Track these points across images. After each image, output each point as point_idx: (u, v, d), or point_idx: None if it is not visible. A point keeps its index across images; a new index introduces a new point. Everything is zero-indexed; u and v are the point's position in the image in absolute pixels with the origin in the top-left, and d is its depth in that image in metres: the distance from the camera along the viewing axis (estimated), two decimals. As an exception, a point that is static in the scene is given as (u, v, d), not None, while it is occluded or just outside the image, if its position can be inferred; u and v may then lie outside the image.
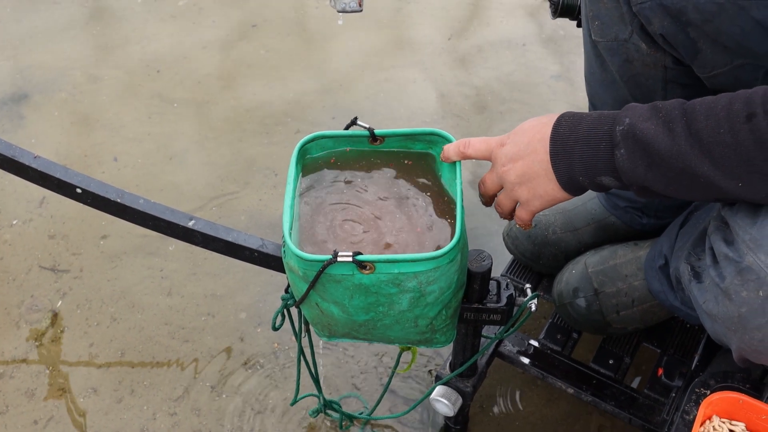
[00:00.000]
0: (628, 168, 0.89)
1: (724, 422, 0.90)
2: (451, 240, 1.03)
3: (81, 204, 1.84)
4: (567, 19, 1.46)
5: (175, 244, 1.84)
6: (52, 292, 1.76)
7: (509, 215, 1.09)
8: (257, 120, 2.17)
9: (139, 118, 2.17)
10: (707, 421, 0.91)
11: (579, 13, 1.51)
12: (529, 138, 0.98)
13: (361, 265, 0.98)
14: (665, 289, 1.28)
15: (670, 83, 1.15)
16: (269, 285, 1.77)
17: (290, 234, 1.04)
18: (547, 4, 1.54)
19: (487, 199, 1.11)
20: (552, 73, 2.33)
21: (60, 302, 1.74)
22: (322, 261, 0.99)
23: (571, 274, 1.40)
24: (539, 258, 1.50)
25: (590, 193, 1.50)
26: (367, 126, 1.13)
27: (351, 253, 0.98)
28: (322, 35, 2.47)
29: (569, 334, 1.45)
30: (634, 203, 1.41)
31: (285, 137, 2.11)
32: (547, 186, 0.98)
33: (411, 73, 2.32)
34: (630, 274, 1.34)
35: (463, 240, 1.04)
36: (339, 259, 0.98)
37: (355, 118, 1.13)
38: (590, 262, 1.39)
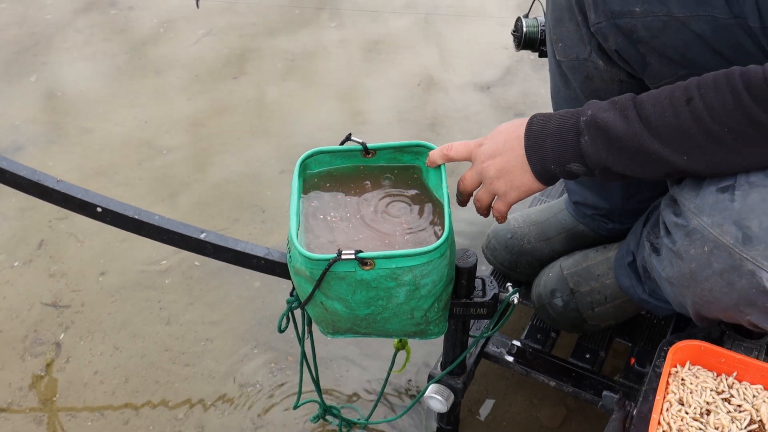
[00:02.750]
0: (592, 152, 1.03)
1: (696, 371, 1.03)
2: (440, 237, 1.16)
3: (80, 243, 1.96)
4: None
5: (171, 278, 1.94)
6: (55, 326, 1.84)
7: (487, 210, 1.23)
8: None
9: (130, 166, 2.29)
10: (676, 367, 1.04)
11: (540, 45, 1.68)
12: (506, 137, 1.12)
13: (363, 262, 1.10)
14: (634, 283, 1.41)
15: None
16: (263, 311, 1.87)
17: (297, 237, 1.16)
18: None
19: (465, 197, 1.24)
20: (516, 110, 2.50)
21: (63, 335, 1.82)
22: (328, 259, 1.11)
23: (548, 278, 1.53)
24: (516, 266, 1.63)
25: (560, 205, 1.64)
26: (361, 141, 1.26)
27: (353, 251, 1.10)
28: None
29: (548, 333, 1.57)
30: (600, 210, 1.56)
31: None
32: (523, 177, 1.12)
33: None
34: (602, 274, 1.47)
35: (451, 237, 1.17)
36: (343, 257, 1.10)
37: (350, 134, 1.26)
38: (565, 265, 1.53)
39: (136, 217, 1.28)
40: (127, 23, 2.90)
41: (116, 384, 1.72)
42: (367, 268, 1.10)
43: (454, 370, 1.44)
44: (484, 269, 1.70)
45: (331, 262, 1.11)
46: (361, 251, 1.10)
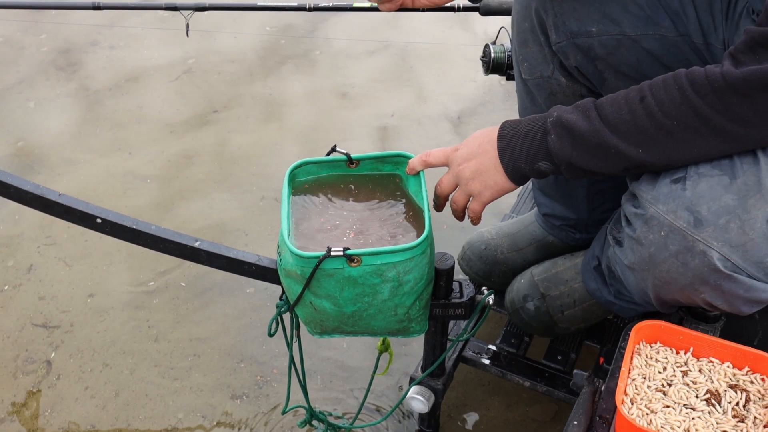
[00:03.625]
0: (558, 149, 1.14)
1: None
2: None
3: (68, 267, 2.02)
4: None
5: (158, 298, 2.01)
6: (45, 346, 1.89)
7: (462, 211, 1.33)
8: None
9: (116, 194, 2.36)
10: (638, 345, 1.14)
11: (507, 69, 1.81)
12: (479, 141, 1.23)
13: (350, 259, 1.19)
14: (600, 286, 1.51)
15: None
16: (248, 328, 1.94)
17: (288, 237, 1.24)
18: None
19: (442, 200, 1.34)
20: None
21: (53, 353, 1.87)
22: (318, 256, 1.20)
23: (520, 284, 1.63)
24: (491, 276, 1.72)
25: (531, 218, 1.75)
26: (345, 152, 1.36)
27: (342, 249, 1.19)
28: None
29: (522, 337, 1.66)
30: (567, 221, 1.66)
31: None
32: (497, 177, 1.22)
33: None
34: (570, 279, 1.58)
35: (431, 237, 1.26)
36: (332, 253, 1.19)
37: (335, 146, 1.36)
38: (536, 272, 1.63)
39: (134, 227, 1.36)
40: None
41: (107, 398, 1.78)
42: (354, 264, 1.19)
43: (434, 372, 1.52)
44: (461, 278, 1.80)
45: (321, 259, 1.19)
46: (348, 248, 1.19)
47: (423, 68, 2.97)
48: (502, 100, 2.78)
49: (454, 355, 1.60)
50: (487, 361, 1.62)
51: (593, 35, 1.30)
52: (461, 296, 1.40)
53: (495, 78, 2.82)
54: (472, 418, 1.73)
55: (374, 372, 1.53)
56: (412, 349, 1.88)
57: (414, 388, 1.53)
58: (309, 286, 1.24)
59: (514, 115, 1.59)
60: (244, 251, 1.40)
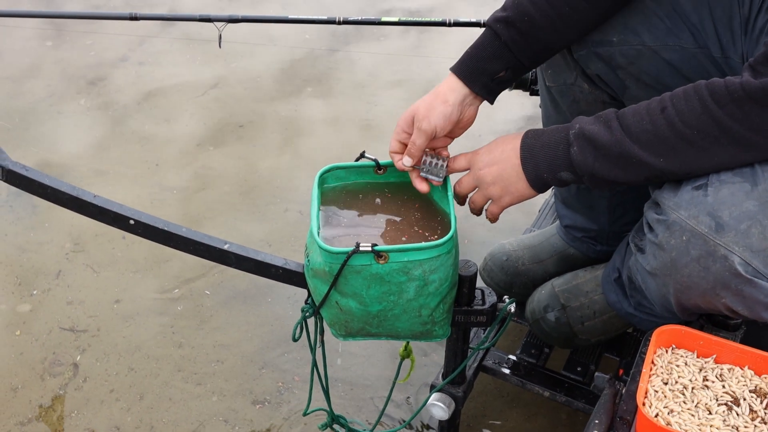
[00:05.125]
0: (580, 160, 1.17)
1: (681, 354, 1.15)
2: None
3: (95, 274, 2.06)
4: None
5: (183, 305, 2.04)
6: (73, 349, 1.93)
7: (480, 210, 1.37)
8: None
9: (142, 205, 2.41)
10: (659, 349, 1.15)
11: (531, 84, 1.84)
12: (502, 148, 1.27)
13: (378, 255, 1.22)
14: (620, 298, 1.53)
15: None
16: (270, 335, 1.97)
17: (318, 234, 1.28)
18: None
19: (461, 199, 1.37)
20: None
21: (80, 357, 1.91)
22: (347, 252, 1.23)
23: (541, 295, 1.65)
24: (512, 287, 1.75)
25: (552, 231, 1.77)
26: (373, 158, 1.40)
27: (370, 244, 1.22)
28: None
29: (542, 348, 1.68)
30: (589, 233, 1.69)
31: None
32: (518, 184, 1.25)
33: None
34: (590, 290, 1.59)
35: (456, 238, 1.29)
36: (360, 248, 1.22)
37: (363, 152, 1.40)
38: (557, 283, 1.65)
39: (165, 228, 1.40)
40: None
41: (131, 401, 1.81)
42: (382, 261, 1.22)
43: (455, 379, 1.54)
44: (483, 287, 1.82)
45: (350, 254, 1.22)
46: (376, 245, 1.22)
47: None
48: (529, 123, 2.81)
49: (475, 364, 1.62)
50: (507, 371, 1.64)
51: (614, 44, 1.33)
52: (483, 303, 1.43)
53: (517, 106, 2.84)
54: (491, 428, 1.74)
55: (396, 378, 1.55)
56: (432, 360, 1.90)
57: (435, 395, 1.55)
58: (336, 285, 1.27)
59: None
60: (272, 255, 1.43)
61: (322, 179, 1.40)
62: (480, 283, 1.73)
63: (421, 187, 1.36)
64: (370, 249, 1.22)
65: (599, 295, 1.58)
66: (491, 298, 1.44)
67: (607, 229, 1.67)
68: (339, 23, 1.99)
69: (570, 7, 1.29)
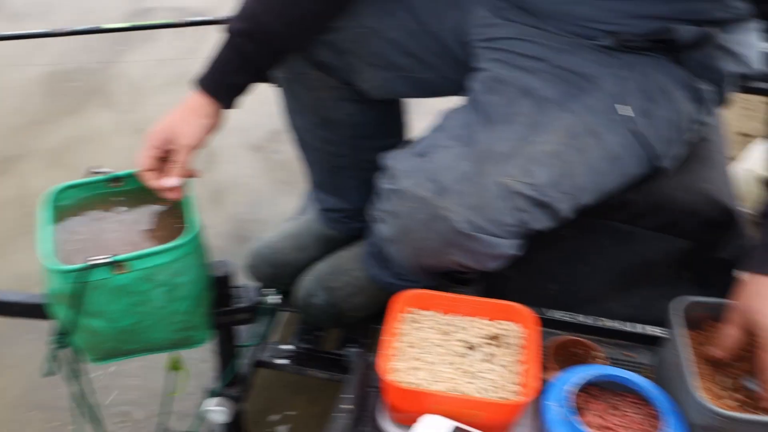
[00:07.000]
0: None
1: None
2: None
3: None
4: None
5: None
6: None
7: None
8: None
9: None
10: (403, 314, 1.21)
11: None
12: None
13: (117, 266, 1.17)
14: (379, 271, 1.57)
15: (341, 101, 1.51)
16: (34, 375, 1.81)
17: (49, 258, 1.20)
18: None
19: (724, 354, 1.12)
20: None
21: None
22: (79, 269, 1.16)
23: (307, 280, 1.66)
24: (281, 278, 1.74)
25: (312, 216, 1.79)
26: (105, 170, 1.35)
27: (105, 256, 1.17)
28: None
29: (315, 332, 1.70)
30: (345, 212, 1.72)
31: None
32: None
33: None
34: (351, 268, 1.63)
35: (200, 238, 1.27)
36: (96, 261, 1.16)
37: (90, 168, 1.34)
38: (320, 267, 1.67)
39: None
40: None
41: None
42: (123, 270, 1.17)
43: (231, 381, 1.52)
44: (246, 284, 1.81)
45: (88, 268, 1.16)
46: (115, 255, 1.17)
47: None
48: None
49: (250, 361, 1.61)
50: (284, 362, 1.64)
51: (337, 30, 1.38)
52: (244, 301, 1.42)
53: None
54: (277, 419, 1.74)
55: (170, 393, 1.50)
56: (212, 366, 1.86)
57: (208, 401, 1.52)
58: (78, 306, 1.21)
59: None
60: (10, 290, 1.34)
61: (52, 201, 1.32)
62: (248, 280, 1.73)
63: (172, 195, 1.32)
64: (105, 260, 1.16)
65: (361, 271, 1.62)
66: (252, 294, 1.44)
67: (362, 206, 1.71)
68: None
69: (302, 10, 1.32)
